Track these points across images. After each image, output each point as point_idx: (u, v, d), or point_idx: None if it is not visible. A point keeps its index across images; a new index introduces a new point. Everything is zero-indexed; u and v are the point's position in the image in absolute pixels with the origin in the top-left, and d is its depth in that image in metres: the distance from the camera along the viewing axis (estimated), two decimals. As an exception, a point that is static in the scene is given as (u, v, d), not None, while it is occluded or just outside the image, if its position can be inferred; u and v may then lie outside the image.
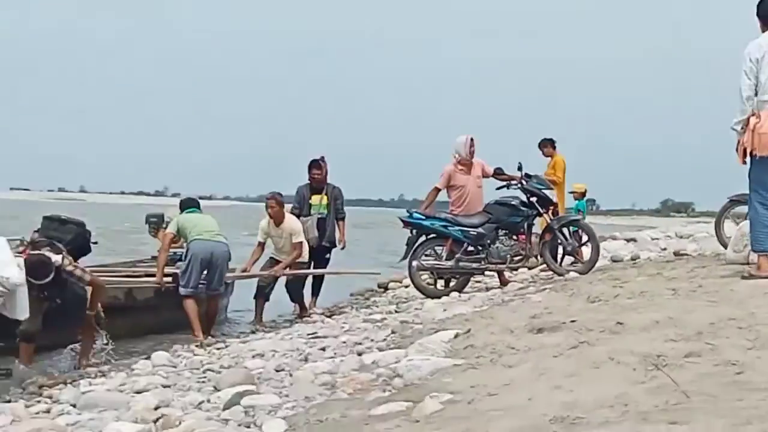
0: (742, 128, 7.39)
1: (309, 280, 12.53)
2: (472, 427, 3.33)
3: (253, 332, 10.50)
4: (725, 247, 10.89)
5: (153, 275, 10.89)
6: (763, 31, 7.51)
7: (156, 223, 12.36)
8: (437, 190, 12.17)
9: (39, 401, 6.26)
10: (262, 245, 11.93)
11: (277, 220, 11.64)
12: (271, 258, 12.00)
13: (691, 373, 3.69)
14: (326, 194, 12.48)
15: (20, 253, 8.10)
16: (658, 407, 3.18)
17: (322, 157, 12.62)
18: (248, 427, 4.22)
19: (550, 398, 3.58)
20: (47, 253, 7.91)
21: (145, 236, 14.08)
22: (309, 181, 12.60)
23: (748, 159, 7.46)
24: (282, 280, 11.98)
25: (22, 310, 7.57)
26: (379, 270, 15.90)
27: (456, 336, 6.03)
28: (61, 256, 7.98)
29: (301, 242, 11.69)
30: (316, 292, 12.65)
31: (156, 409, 4.95)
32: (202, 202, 11.79)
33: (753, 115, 7.27)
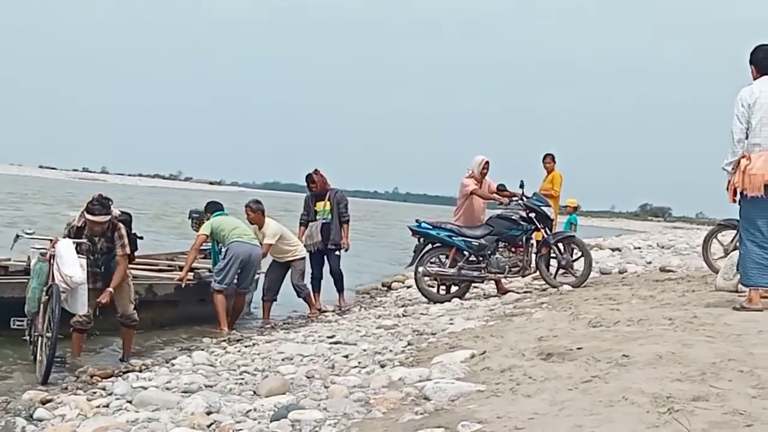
0: (732, 169, 7.58)
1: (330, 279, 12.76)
2: (508, 465, 3.55)
3: (272, 327, 10.79)
4: (711, 268, 11.19)
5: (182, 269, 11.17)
6: (755, 78, 7.71)
7: (198, 218, 12.55)
8: (473, 193, 12.36)
9: (95, 392, 6.51)
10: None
11: (259, 224, 11.85)
12: (273, 261, 12.20)
13: (701, 420, 3.88)
14: (329, 200, 12.66)
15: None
16: (677, 459, 3.41)
17: (315, 170, 12.80)
18: (297, 443, 4.44)
19: (576, 439, 3.80)
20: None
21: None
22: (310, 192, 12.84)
23: (738, 197, 7.66)
24: (288, 280, 12.19)
25: (82, 305, 7.96)
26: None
27: (472, 356, 6.25)
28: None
29: (270, 244, 11.73)
30: (340, 288, 12.92)
31: (208, 414, 5.19)
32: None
33: (744, 157, 7.46)
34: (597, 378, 5.02)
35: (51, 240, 8.11)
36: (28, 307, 8.05)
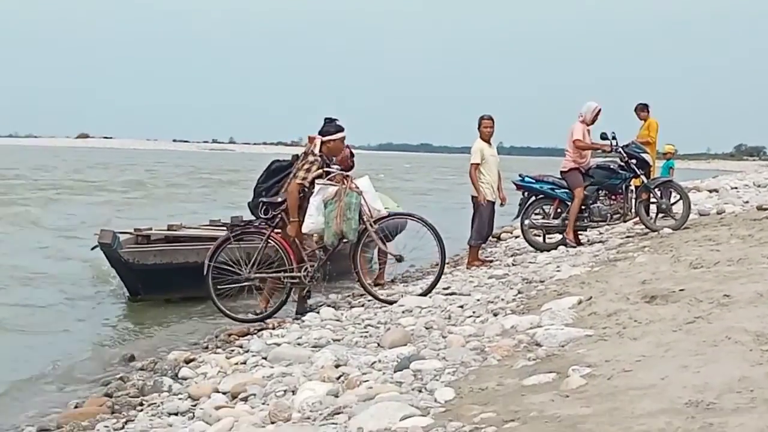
0: None
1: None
2: (618, 407, 3.47)
3: (392, 281, 10.64)
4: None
5: None
6: None
7: None
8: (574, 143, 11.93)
9: (233, 351, 6.66)
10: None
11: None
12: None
13: (804, 357, 3.78)
14: None
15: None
16: (782, 395, 3.30)
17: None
18: (420, 391, 4.43)
19: (681, 379, 3.69)
20: None
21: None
22: None
23: None
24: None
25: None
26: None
27: (579, 302, 6.17)
28: None
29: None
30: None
31: (336, 367, 5.26)
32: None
33: None
34: (700, 319, 4.91)
35: (345, 177, 8.13)
36: (350, 236, 7.97)
